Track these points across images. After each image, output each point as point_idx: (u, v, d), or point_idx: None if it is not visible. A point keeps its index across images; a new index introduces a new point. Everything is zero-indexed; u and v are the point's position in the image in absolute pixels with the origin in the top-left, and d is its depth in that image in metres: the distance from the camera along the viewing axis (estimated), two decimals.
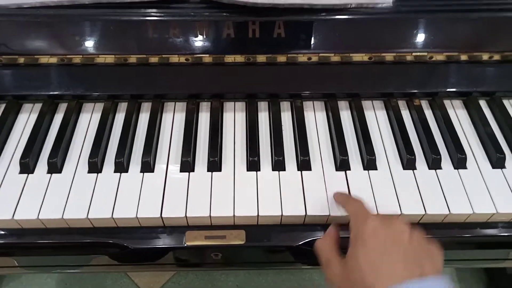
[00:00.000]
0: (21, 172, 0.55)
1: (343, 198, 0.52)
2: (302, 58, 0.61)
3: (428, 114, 0.63)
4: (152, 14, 0.57)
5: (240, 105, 0.64)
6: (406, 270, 0.41)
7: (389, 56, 0.61)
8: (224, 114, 0.63)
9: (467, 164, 0.57)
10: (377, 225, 0.44)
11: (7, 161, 0.57)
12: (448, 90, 0.63)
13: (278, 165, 0.56)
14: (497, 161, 0.57)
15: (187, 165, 0.56)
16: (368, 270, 0.42)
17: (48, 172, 0.55)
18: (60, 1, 0.55)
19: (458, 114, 0.63)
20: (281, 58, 0.61)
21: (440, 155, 0.56)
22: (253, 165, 0.56)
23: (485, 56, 0.62)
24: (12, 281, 1.16)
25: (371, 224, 0.44)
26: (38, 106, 0.63)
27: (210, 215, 0.51)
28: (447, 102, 0.64)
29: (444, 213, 0.52)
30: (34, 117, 0.62)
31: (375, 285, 0.40)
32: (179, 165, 0.56)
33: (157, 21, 0.57)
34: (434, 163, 0.56)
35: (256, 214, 0.51)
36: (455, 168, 0.56)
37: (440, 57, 0.61)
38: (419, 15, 0.58)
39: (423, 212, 0.52)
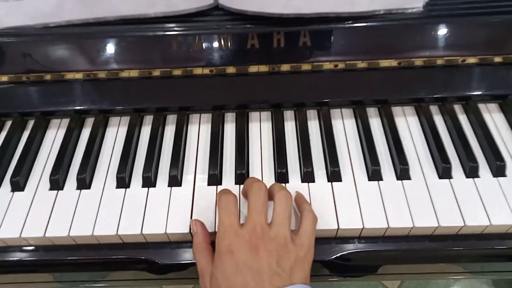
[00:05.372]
0: (51, 188, 0.56)
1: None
2: (328, 65, 0.59)
3: (463, 119, 0.60)
4: (176, 28, 0.57)
5: (266, 115, 0.63)
6: (269, 280, 0.39)
7: (418, 61, 0.59)
8: (250, 124, 0.62)
9: (506, 172, 0.54)
10: (232, 239, 0.42)
11: (37, 177, 0.57)
12: (482, 93, 0.60)
13: (307, 176, 0.54)
14: None
15: (215, 179, 0.55)
16: None
17: (77, 188, 0.56)
18: (86, 19, 0.56)
19: (495, 118, 0.60)
20: (306, 66, 0.60)
21: (477, 162, 0.54)
22: (281, 177, 0.55)
23: None
24: None
25: (227, 238, 0.43)
26: (65, 121, 0.64)
27: None
28: (482, 106, 0.61)
29: (484, 224, 0.50)
30: (62, 132, 0.62)
31: None
32: (206, 178, 0.55)
33: (180, 35, 0.57)
34: (471, 172, 0.54)
35: None
36: (494, 176, 0.54)
37: (473, 60, 0.58)
38: (451, 19, 0.56)
39: (462, 224, 0.49)
